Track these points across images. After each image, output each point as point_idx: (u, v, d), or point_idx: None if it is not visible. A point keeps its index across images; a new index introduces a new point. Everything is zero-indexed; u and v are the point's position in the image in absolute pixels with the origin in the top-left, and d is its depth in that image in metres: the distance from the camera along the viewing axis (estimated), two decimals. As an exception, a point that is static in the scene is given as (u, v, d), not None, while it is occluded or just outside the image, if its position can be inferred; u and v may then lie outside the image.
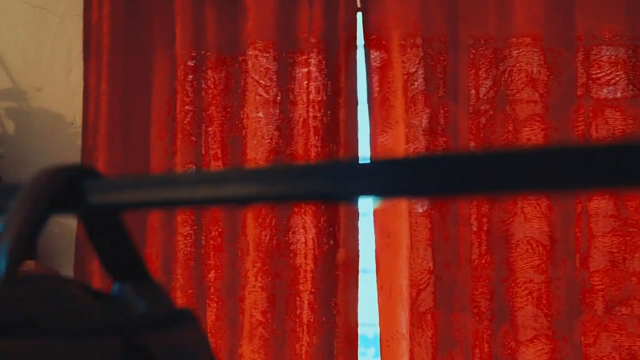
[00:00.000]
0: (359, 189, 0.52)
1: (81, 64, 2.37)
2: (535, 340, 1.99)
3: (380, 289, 2.04)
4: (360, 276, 2.09)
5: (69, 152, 2.30)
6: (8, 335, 0.54)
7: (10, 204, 0.61)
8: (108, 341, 0.56)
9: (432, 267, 2.01)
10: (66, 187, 0.62)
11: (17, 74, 2.44)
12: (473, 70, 2.18)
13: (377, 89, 2.18)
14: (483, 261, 2.04)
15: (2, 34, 2.46)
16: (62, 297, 0.60)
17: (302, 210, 2.11)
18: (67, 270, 2.24)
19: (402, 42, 2.17)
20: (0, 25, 2.46)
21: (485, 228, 2.05)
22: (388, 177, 0.51)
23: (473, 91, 2.19)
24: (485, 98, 2.16)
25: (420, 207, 2.04)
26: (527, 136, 2.09)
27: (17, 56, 2.44)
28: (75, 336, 0.56)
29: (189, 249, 2.15)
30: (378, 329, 2.05)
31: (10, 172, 2.30)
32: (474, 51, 2.19)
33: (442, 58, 2.18)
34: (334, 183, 0.53)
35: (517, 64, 2.14)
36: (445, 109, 2.16)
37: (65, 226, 2.30)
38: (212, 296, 2.12)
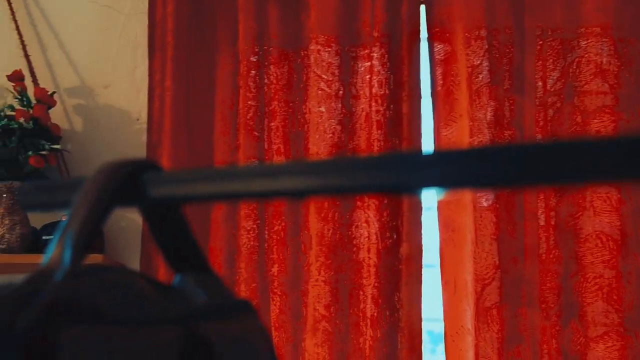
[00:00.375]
0: (422, 181, 0.51)
1: (146, 61, 2.41)
2: (605, 337, 1.95)
3: (444, 283, 2.02)
4: (424, 271, 2.08)
5: (135, 148, 2.35)
6: (75, 323, 0.55)
7: (74, 197, 0.63)
8: (169, 331, 0.57)
9: (497, 262, 1.98)
10: (128, 181, 0.63)
11: (84, 71, 2.49)
12: (540, 62, 2.15)
13: (441, 82, 2.16)
14: (551, 256, 2.01)
15: (69, 32, 2.51)
16: (125, 288, 0.61)
17: (365, 204, 2.11)
18: (134, 264, 2.28)
19: (467, 34, 2.15)
20: (68, 24, 2.51)
21: (552, 222, 2.02)
22: (452, 168, 0.51)
23: (540, 83, 2.15)
24: (552, 90, 2.13)
25: (485, 201, 2.01)
26: (596, 128, 2.05)
27: (84, 54, 2.49)
28: (137, 326, 0.57)
29: (252, 243, 2.17)
30: (443, 324, 2.04)
31: (77, 168, 2.36)
32: (540, 42, 2.16)
33: (507, 50, 2.15)
34: (397, 174, 0.53)
35: (586, 55, 2.10)
36: (511, 101, 2.13)
37: (132, 220, 2.34)
38: (275, 290, 2.14)
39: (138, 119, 2.45)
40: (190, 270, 0.68)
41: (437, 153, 0.61)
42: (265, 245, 2.17)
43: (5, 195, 2.24)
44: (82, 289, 0.59)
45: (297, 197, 0.59)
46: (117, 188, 0.62)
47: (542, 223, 2.01)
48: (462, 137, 2.09)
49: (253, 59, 2.25)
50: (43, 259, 0.62)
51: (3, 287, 0.60)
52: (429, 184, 0.52)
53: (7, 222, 2.21)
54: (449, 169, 0.51)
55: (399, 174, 0.53)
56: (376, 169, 0.54)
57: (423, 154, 0.53)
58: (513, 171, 0.49)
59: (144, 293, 0.63)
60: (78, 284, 0.60)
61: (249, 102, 2.24)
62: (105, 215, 0.62)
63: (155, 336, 0.57)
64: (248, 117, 2.23)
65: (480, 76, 2.13)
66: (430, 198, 2.11)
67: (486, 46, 2.13)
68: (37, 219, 2.29)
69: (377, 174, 0.54)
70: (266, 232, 2.17)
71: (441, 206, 2.06)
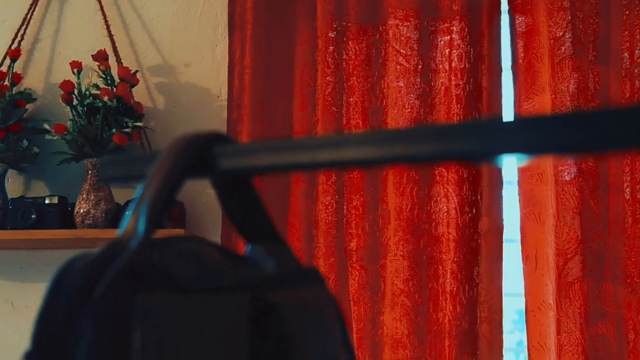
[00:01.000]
0: (503, 147, 0.51)
1: (226, 39, 2.45)
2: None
3: (525, 258, 2.00)
4: (505, 246, 2.07)
5: (215, 125, 2.39)
6: (149, 289, 0.58)
7: (149, 170, 0.66)
8: (239, 297, 0.59)
9: (580, 236, 1.95)
10: (199, 153, 0.65)
11: (166, 50, 2.55)
12: (626, 32, 2.09)
13: (522, 54, 2.13)
14: (636, 230, 1.96)
15: (151, 12, 2.57)
16: (198, 257, 0.64)
17: (445, 179, 2.10)
18: (215, 239, 2.33)
19: (549, 5, 2.11)
20: (150, 4, 2.57)
21: (638, 196, 1.97)
22: (534, 134, 0.50)
23: (626, 54, 2.10)
24: (639, 61, 2.07)
25: (567, 174, 1.98)
26: (684, 99, 1.99)
27: (166, 33, 2.55)
28: (208, 292, 0.59)
29: (330, 217, 2.19)
30: (524, 300, 2.02)
31: (160, 145, 2.42)
32: (627, 12, 2.10)
33: (591, 20, 2.10)
34: (477, 141, 0.53)
35: (676, 23, 2.04)
36: (595, 73, 2.08)
37: (213, 196, 2.39)
38: (354, 264, 2.16)
39: (218, 96, 2.49)
40: (261, 240, 0.70)
41: (518, 119, 0.60)
42: (344, 220, 2.19)
43: (90, 172, 2.31)
44: (156, 257, 0.62)
45: (368, 165, 0.59)
46: (188, 160, 0.65)
47: (627, 197, 1.97)
48: (544, 110, 2.05)
49: (331, 35, 2.26)
50: (119, 229, 0.65)
51: (80, 257, 0.63)
52: (510, 150, 0.52)
53: (92, 198, 2.28)
54: (531, 134, 0.51)
55: (479, 141, 0.53)
56: (453, 137, 0.54)
57: (503, 121, 0.53)
58: (594, 136, 0.48)
59: (216, 262, 0.65)
60: (152, 252, 0.62)
61: (328, 78, 2.26)
62: (177, 187, 0.64)
63: (225, 302, 0.59)
64: (326, 93, 2.24)
65: (563, 48, 2.09)
66: (510, 168, 2.09)
67: (569, 17, 2.08)
68: (121, 195, 2.36)
69: (455, 141, 0.54)
70: (345, 207, 2.19)
71: (522, 180, 2.04)
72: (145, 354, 0.56)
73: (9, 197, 2.45)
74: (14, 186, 2.53)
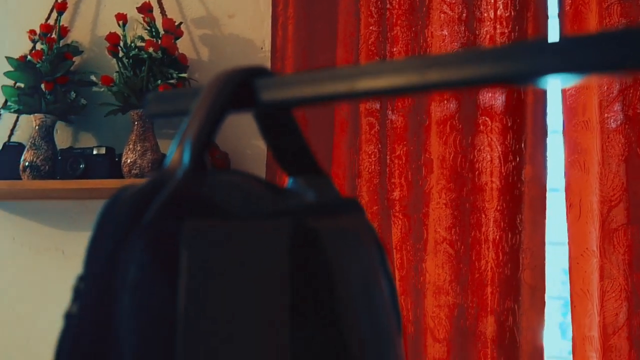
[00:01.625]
0: (548, 66, 0.51)
1: (270, -11, 2.45)
2: None
3: (569, 206, 1.99)
4: (548, 194, 2.06)
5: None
6: (194, 216, 0.60)
7: (193, 104, 0.68)
8: (280, 223, 0.61)
9: (625, 183, 1.93)
10: (241, 87, 0.67)
11: (210, 2, 2.56)
12: (677, -25, 2.05)
13: (569, 1, 2.10)
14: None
15: (194, -37, 2.58)
16: (241, 187, 0.66)
17: (488, 128, 2.10)
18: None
19: (596, -51, 2.07)
20: (193, -45, 2.58)
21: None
22: (577, 52, 0.51)
23: (677, -2, 2.06)
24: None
25: (614, 122, 1.97)
26: None
27: (209, -16, 2.55)
28: (251, 219, 0.61)
29: (373, 167, 2.20)
30: (567, 248, 2.02)
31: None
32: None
33: (640, -36, 2.06)
34: (520, 62, 0.53)
35: None
36: (644, 18, 2.05)
37: (257, 147, 2.42)
38: (397, 213, 2.17)
39: (262, 48, 2.50)
40: (303, 173, 0.72)
41: (562, 39, 0.60)
42: (387, 169, 2.20)
43: (136, 123, 2.35)
44: (202, 186, 0.64)
45: (408, 92, 0.60)
46: (231, 94, 0.67)
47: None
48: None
49: (374, -16, 2.25)
50: (165, 160, 0.68)
51: (129, 187, 0.65)
52: (555, 69, 0.52)
53: (138, 148, 2.32)
54: (575, 53, 0.51)
55: (522, 61, 0.53)
56: (496, 58, 0.54)
57: (547, 41, 0.53)
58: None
59: (259, 192, 0.67)
60: (197, 182, 0.64)
61: (371, 28, 2.25)
62: (220, 119, 0.66)
63: (267, 228, 0.61)
64: (370, 43, 2.24)
65: (611, -7, 2.05)
66: (555, 117, 2.08)
67: (617, -39, 2.04)
68: (167, 146, 2.40)
69: (498, 63, 0.54)
70: (388, 157, 2.20)
71: (567, 129, 2.02)
72: (192, 277, 0.58)
73: (58, 148, 2.51)
74: (62, 138, 2.59)
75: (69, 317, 0.65)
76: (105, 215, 0.66)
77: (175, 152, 0.67)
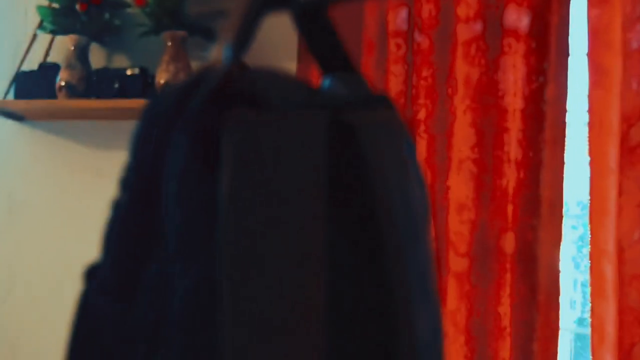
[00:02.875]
0: None
1: None
2: None
3: (590, 125, 2.01)
4: (570, 115, 2.07)
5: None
6: (237, 107, 0.62)
7: (233, 5, 0.69)
8: (318, 115, 0.63)
9: None
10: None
11: None
12: None
13: None
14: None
15: None
16: (278, 82, 0.68)
17: (513, 49, 2.10)
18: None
19: None
20: None
21: None
22: None
23: None
24: None
25: (635, 42, 1.96)
26: None
27: None
28: (291, 110, 0.64)
29: (400, 87, 2.22)
30: (588, 166, 2.04)
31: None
32: None
33: None
34: None
35: None
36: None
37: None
38: (422, 134, 2.19)
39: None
40: (337, 70, 0.73)
41: None
42: (413, 91, 2.20)
43: (169, 44, 2.36)
44: (241, 81, 0.66)
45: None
46: (269, -6, 0.68)
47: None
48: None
49: None
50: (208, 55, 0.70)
51: (172, 84, 0.68)
52: None
53: (172, 69, 2.34)
54: None
55: None
56: None
57: None
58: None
59: (295, 87, 0.69)
60: (239, 76, 0.66)
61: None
62: (258, 19, 0.68)
63: (306, 118, 0.63)
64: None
65: None
66: (578, 39, 2.07)
67: None
68: (199, 66, 2.40)
69: None
70: (414, 78, 2.20)
71: (591, 49, 2.02)
72: (234, 164, 0.61)
73: (93, 68, 2.53)
74: (96, 58, 2.61)
75: (117, 205, 0.68)
76: (151, 109, 0.68)
77: (216, 50, 0.69)
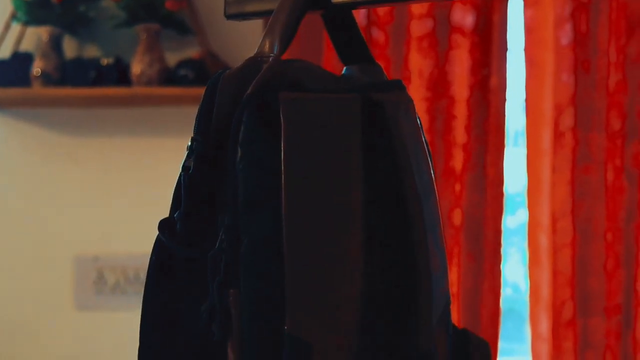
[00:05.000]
0: None
1: None
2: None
3: (527, 112, 2.19)
4: (508, 103, 2.26)
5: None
6: (288, 89, 0.74)
7: (275, 5, 0.81)
8: (353, 96, 0.76)
9: (573, 92, 2.17)
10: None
11: None
12: None
13: None
14: (618, 88, 2.16)
15: None
16: (316, 71, 0.80)
17: (459, 45, 2.26)
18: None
19: None
20: None
21: (621, 59, 2.15)
22: None
23: None
24: None
25: (564, 39, 2.15)
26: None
27: None
28: (330, 92, 0.76)
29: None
30: (525, 148, 2.23)
31: (210, 11, 2.51)
32: None
33: None
34: None
35: None
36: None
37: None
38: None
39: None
40: (357, 62, 0.86)
41: None
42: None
43: (144, 36, 2.44)
44: (287, 69, 0.78)
45: None
46: (308, -3, 0.80)
47: (612, 60, 2.14)
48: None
49: None
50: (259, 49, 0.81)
51: (225, 70, 0.79)
52: None
53: (146, 59, 2.43)
54: None
55: None
56: None
57: None
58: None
59: (325, 75, 0.81)
60: (284, 65, 0.78)
61: None
62: (301, 17, 0.80)
63: (343, 99, 0.76)
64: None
65: None
66: (515, 35, 2.25)
67: None
68: (170, 57, 2.47)
69: None
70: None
71: (527, 45, 2.21)
72: (290, 136, 0.72)
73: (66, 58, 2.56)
74: (68, 49, 2.64)
75: (185, 168, 0.79)
76: (212, 88, 0.79)
77: (265, 43, 0.80)
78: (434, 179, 0.86)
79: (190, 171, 0.79)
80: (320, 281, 0.73)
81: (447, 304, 0.84)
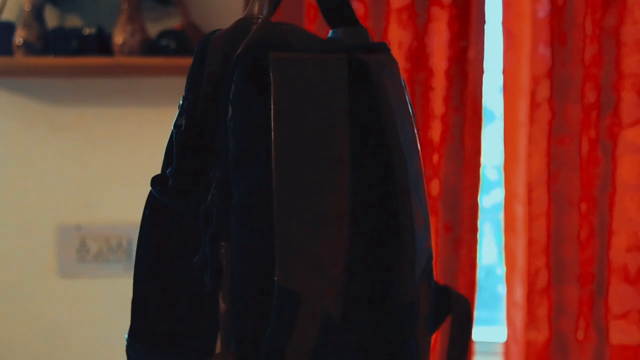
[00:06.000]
0: None
1: None
2: (637, 125, 2.16)
3: (504, 84, 2.22)
4: (487, 74, 2.30)
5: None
6: (278, 49, 0.76)
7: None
8: (339, 56, 0.78)
9: (550, 65, 2.20)
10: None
11: None
12: None
13: None
14: (594, 61, 2.20)
15: None
16: (302, 33, 0.82)
17: (438, 17, 2.27)
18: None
19: None
20: None
21: (597, 32, 2.18)
22: None
23: None
24: None
25: (541, 12, 2.18)
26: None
27: None
28: (317, 52, 0.78)
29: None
30: (502, 121, 2.26)
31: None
32: None
33: None
34: None
35: None
36: None
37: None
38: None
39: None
40: (343, 25, 0.88)
41: None
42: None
43: (125, 7, 2.43)
44: (276, 30, 0.80)
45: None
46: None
47: (588, 33, 2.17)
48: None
49: None
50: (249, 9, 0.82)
51: (215, 31, 0.80)
52: None
53: (128, 29, 2.43)
54: None
55: None
56: None
57: None
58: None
59: (310, 37, 0.83)
60: (272, 27, 0.80)
61: None
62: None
63: (330, 59, 0.78)
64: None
65: None
66: (493, 7, 2.27)
67: None
68: (152, 28, 2.47)
69: None
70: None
71: (505, 18, 2.23)
72: (279, 93, 0.74)
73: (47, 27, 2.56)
74: (51, 18, 2.63)
75: (177, 126, 0.81)
76: (202, 48, 0.80)
77: (255, 5, 0.82)
78: (417, 138, 0.88)
79: (182, 129, 0.81)
80: (308, 234, 0.76)
81: (430, 259, 0.87)
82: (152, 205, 0.83)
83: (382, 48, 0.86)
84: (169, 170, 0.81)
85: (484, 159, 2.33)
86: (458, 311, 0.92)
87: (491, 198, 2.55)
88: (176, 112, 0.84)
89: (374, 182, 0.80)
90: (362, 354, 0.79)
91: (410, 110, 0.88)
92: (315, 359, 0.74)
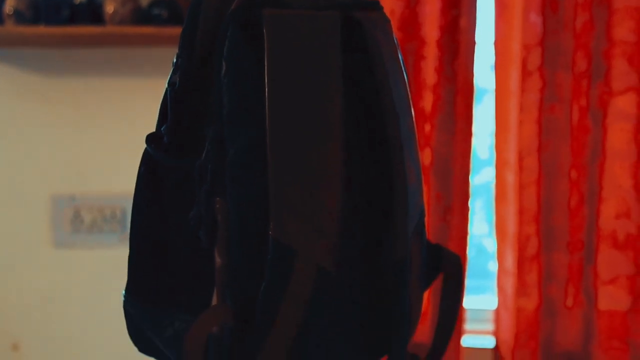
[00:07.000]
0: None
1: None
2: (628, 92, 2.16)
3: (497, 53, 2.23)
4: (479, 45, 2.29)
5: None
6: (271, 6, 0.76)
7: None
8: (333, 13, 0.78)
9: (542, 32, 2.22)
10: None
11: None
12: None
13: None
14: (584, 29, 2.19)
15: None
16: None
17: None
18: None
19: None
20: None
21: (588, 1, 2.19)
22: None
23: None
24: None
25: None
26: None
27: None
28: (312, 9, 0.78)
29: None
30: (494, 86, 2.27)
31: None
32: None
33: None
34: None
35: None
36: None
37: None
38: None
39: None
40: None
41: None
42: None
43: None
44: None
45: None
46: None
47: (580, 1, 2.17)
48: None
49: None
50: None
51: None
52: None
53: (119, -1, 2.39)
54: None
55: None
56: None
57: None
58: None
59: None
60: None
61: None
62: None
63: (324, 15, 0.78)
64: None
65: None
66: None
67: None
68: (144, -2, 2.48)
69: None
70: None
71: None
72: (273, 49, 0.74)
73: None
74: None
75: (171, 84, 0.81)
76: (195, 7, 0.81)
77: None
78: (409, 96, 0.88)
79: (176, 86, 0.81)
80: (303, 189, 0.76)
81: (422, 215, 0.88)
82: (147, 163, 0.83)
83: (375, 6, 0.87)
84: (163, 127, 0.81)
85: (475, 129, 2.34)
86: (449, 268, 0.93)
87: (482, 177, 2.56)
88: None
89: (368, 138, 0.81)
90: (356, 307, 0.80)
91: (403, 69, 0.88)
92: (309, 313, 0.75)
